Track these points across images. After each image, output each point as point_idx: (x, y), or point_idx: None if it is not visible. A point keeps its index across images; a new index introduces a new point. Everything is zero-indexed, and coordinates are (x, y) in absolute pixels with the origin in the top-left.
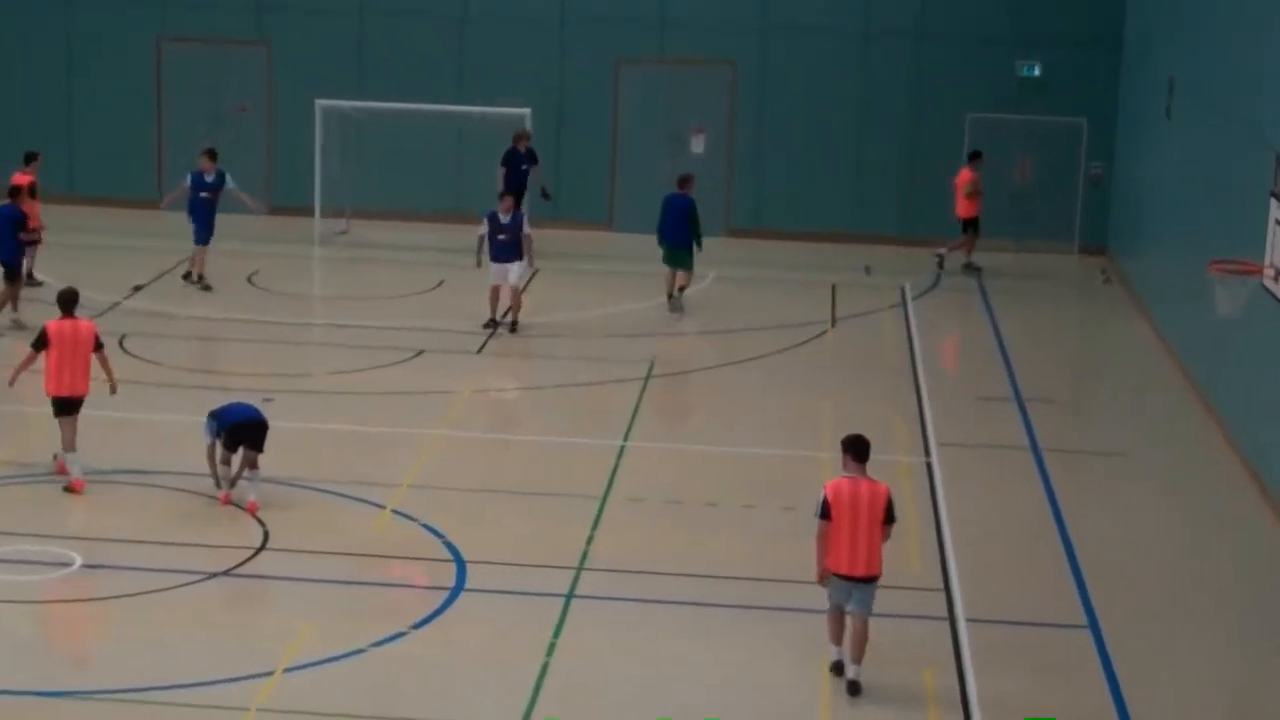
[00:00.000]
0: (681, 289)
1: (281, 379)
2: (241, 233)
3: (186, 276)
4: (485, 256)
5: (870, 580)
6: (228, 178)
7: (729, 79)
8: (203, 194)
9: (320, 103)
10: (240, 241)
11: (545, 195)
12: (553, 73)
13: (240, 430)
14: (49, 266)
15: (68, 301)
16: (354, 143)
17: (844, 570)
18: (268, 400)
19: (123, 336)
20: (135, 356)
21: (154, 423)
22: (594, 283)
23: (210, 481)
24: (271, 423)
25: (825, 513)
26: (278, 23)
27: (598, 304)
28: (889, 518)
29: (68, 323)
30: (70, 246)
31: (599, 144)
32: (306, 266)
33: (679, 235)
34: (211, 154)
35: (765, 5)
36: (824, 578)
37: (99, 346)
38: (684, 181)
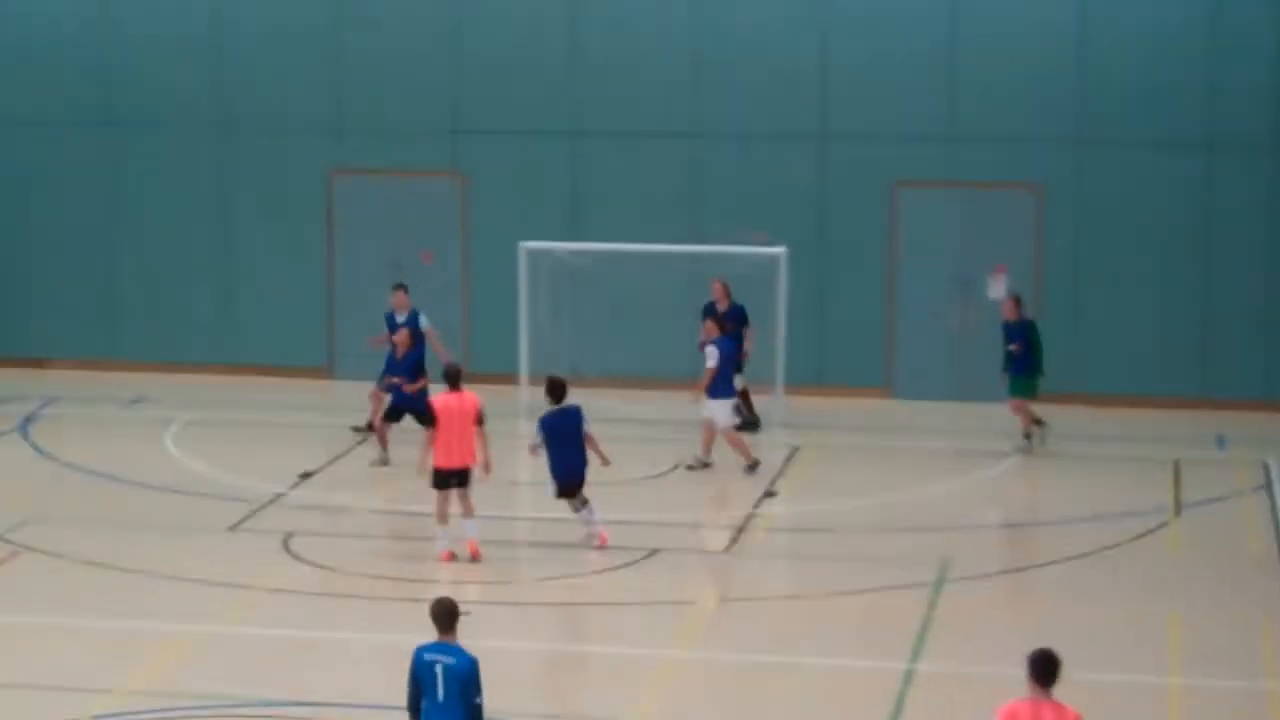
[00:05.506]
0: (1025, 428)
1: (479, 587)
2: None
3: (368, 427)
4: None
5: None
6: (422, 318)
7: (1034, 206)
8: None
9: (526, 245)
10: None
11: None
12: (810, 200)
13: None
14: (201, 448)
15: (455, 376)
16: (566, 294)
17: None
18: (465, 614)
19: (288, 536)
20: (304, 561)
21: (339, 643)
22: (869, 463)
23: None
24: (468, 642)
25: None
26: (473, 150)
27: (874, 489)
28: None
29: (454, 396)
30: (225, 424)
31: (871, 288)
32: (510, 449)
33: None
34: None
35: (1079, 114)
36: None
37: (480, 421)
38: (1009, 305)
